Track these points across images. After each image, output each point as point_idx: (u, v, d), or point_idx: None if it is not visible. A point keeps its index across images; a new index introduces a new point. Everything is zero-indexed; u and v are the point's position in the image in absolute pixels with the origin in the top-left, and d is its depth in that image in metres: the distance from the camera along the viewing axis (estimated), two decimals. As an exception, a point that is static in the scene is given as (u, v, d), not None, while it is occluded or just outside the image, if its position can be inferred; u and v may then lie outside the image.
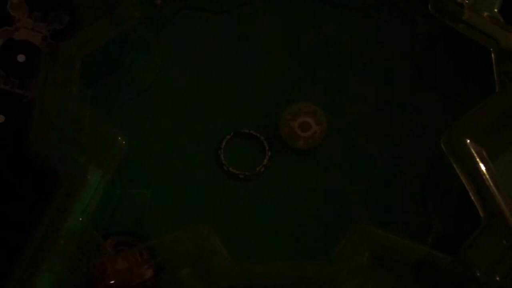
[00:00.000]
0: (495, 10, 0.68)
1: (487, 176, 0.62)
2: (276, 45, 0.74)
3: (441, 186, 0.67)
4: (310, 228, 0.68)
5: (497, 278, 0.59)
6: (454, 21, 0.68)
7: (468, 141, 0.64)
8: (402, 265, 0.61)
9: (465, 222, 0.63)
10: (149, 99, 0.72)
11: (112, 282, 0.61)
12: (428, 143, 0.68)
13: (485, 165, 0.63)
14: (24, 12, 0.74)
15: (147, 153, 0.70)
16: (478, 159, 0.63)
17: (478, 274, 0.60)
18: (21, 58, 0.73)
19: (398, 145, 0.70)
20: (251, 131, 0.70)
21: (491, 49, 0.67)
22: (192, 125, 0.71)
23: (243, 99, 0.72)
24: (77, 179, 0.64)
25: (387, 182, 0.68)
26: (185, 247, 0.62)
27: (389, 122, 0.71)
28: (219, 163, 0.70)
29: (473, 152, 0.63)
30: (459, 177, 0.63)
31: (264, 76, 0.73)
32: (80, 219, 0.63)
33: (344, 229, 0.63)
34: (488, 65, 0.66)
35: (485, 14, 0.68)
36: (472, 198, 0.62)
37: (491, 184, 0.62)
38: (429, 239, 0.65)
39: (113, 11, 0.70)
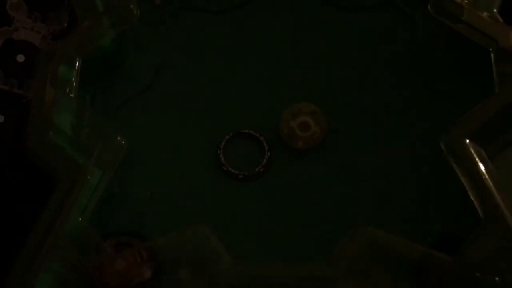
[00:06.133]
0: (495, 10, 0.68)
1: (487, 176, 0.62)
2: (276, 45, 0.74)
3: (440, 186, 0.67)
4: (309, 228, 0.67)
5: (497, 278, 0.59)
6: (453, 21, 0.68)
7: (468, 141, 0.64)
8: (401, 265, 0.61)
9: (465, 222, 0.63)
10: (149, 99, 0.72)
11: (112, 282, 0.61)
12: (428, 143, 0.68)
13: (484, 165, 0.63)
14: (24, 12, 0.74)
15: (147, 153, 0.70)
16: (477, 159, 0.63)
17: (478, 274, 0.60)
18: (20, 58, 0.72)
19: (398, 145, 0.70)
20: (251, 131, 0.70)
21: (491, 49, 0.67)
22: (192, 125, 0.71)
23: (243, 99, 0.72)
24: (76, 179, 0.64)
25: (386, 182, 0.68)
26: (185, 247, 0.62)
27: (389, 122, 0.71)
28: (219, 163, 0.70)
29: (473, 152, 0.63)
30: (458, 177, 0.63)
31: (264, 76, 0.73)
32: (80, 219, 0.63)
33: (344, 229, 0.63)
34: (488, 65, 0.66)
35: (485, 14, 0.68)
36: (472, 198, 0.62)
37: (491, 184, 0.62)
38: (428, 239, 0.65)
39: (112, 11, 0.70)
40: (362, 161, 0.69)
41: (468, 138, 0.64)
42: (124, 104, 0.72)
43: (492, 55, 0.67)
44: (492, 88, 0.66)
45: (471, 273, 0.60)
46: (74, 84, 0.67)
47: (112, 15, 0.70)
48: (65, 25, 0.73)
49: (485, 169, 0.63)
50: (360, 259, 0.61)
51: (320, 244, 0.66)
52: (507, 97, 0.65)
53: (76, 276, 0.62)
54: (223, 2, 0.75)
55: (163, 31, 0.74)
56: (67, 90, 0.67)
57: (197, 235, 0.62)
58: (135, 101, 0.72)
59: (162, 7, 0.74)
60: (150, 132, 0.71)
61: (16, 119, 0.71)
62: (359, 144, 0.70)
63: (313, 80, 0.72)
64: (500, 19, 0.68)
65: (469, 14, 0.67)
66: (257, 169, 0.69)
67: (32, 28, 0.73)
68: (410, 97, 0.71)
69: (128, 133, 0.66)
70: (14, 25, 0.73)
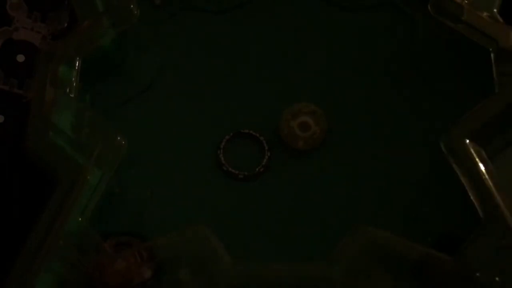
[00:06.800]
0: (495, 10, 0.68)
1: (487, 176, 0.62)
2: (276, 45, 0.74)
3: (440, 186, 0.67)
4: (309, 229, 0.67)
5: (497, 279, 0.59)
6: (453, 21, 0.68)
7: (468, 141, 0.64)
8: (401, 265, 0.61)
9: (465, 222, 0.63)
10: (149, 99, 0.72)
11: (112, 282, 0.61)
12: (427, 143, 0.68)
13: (484, 165, 0.63)
14: (24, 12, 0.74)
15: (147, 153, 0.70)
16: (477, 159, 0.63)
17: (478, 274, 0.60)
18: (20, 58, 0.73)
19: (398, 145, 0.70)
20: (251, 131, 0.70)
21: (491, 49, 0.67)
22: (192, 125, 0.71)
23: (243, 99, 0.72)
24: (76, 179, 0.63)
25: (386, 182, 0.68)
26: (185, 247, 0.62)
27: (389, 122, 0.71)
28: (219, 163, 0.70)
29: (473, 152, 0.63)
30: (458, 177, 0.63)
31: (264, 76, 0.73)
32: (80, 219, 0.63)
33: (344, 230, 0.63)
34: (488, 65, 0.66)
35: (485, 14, 0.68)
36: (472, 198, 0.62)
37: (491, 184, 0.62)
38: (428, 239, 0.65)
39: (112, 11, 0.70)
40: (362, 161, 0.69)
41: (468, 138, 0.64)
42: (124, 104, 0.72)
43: (492, 55, 0.67)
44: (492, 88, 0.66)
45: (471, 273, 0.60)
46: (74, 84, 0.67)
47: (112, 15, 0.70)
48: (65, 25, 0.73)
49: (485, 169, 0.63)
50: (360, 259, 0.61)
51: (320, 244, 0.66)
52: (507, 97, 0.65)
53: (76, 276, 0.61)
54: (223, 2, 0.75)
55: (163, 31, 0.74)
56: (67, 90, 0.67)
57: (197, 235, 0.62)
58: (135, 101, 0.72)
59: (162, 7, 0.74)
60: (150, 132, 0.71)
61: (16, 119, 0.71)
62: (359, 144, 0.70)
63: (313, 80, 0.72)
64: (500, 19, 0.68)
65: (469, 14, 0.67)
66: (257, 169, 0.69)
67: (32, 28, 0.73)
68: (410, 97, 0.71)
69: (128, 133, 0.66)
70: (14, 25, 0.73)
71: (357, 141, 0.70)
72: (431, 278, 0.60)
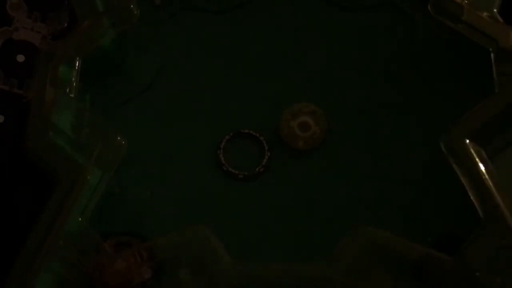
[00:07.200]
0: (495, 10, 0.68)
1: (487, 176, 0.62)
2: (276, 45, 0.74)
3: (440, 186, 0.67)
4: (309, 229, 0.67)
5: (497, 278, 0.59)
6: (453, 21, 0.68)
7: (468, 141, 0.64)
8: (401, 265, 0.61)
9: (465, 222, 0.63)
10: (149, 99, 0.72)
11: (112, 282, 0.61)
12: (427, 143, 0.68)
13: (484, 165, 0.63)
14: (24, 12, 0.74)
15: (147, 153, 0.70)
16: (477, 159, 0.63)
17: (478, 274, 0.60)
18: (20, 58, 0.72)
19: (398, 145, 0.70)
20: (251, 131, 0.70)
21: (491, 49, 0.67)
22: (192, 125, 0.71)
23: (243, 99, 0.72)
24: (76, 179, 0.64)
25: (386, 182, 0.68)
26: (185, 247, 0.62)
27: (389, 122, 0.71)
28: (219, 163, 0.70)
29: (473, 152, 0.63)
30: (458, 177, 0.63)
31: (264, 76, 0.73)
32: (80, 219, 0.63)
33: (343, 230, 0.63)
34: (488, 65, 0.66)
35: (485, 14, 0.68)
36: (472, 198, 0.62)
37: (491, 184, 0.62)
38: (428, 239, 0.65)
39: (112, 11, 0.70)
40: (362, 161, 0.69)
41: (468, 138, 0.64)
42: (124, 104, 0.72)
43: (492, 55, 0.67)
44: (492, 88, 0.66)
45: (471, 273, 0.60)
46: (74, 84, 0.67)
47: (112, 15, 0.70)
48: (65, 25, 0.73)
49: (485, 169, 0.63)
50: (360, 259, 0.61)
51: (320, 244, 0.66)
52: (507, 97, 0.65)
53: (76, 276, 0.62)
54: (223, 2, 0.75)
55: (163, 31, 0.74)
56: (67, 90, 0.67)
57: (197, 235, 0.62)
58: (135, 101, 0.72)
59: (162, 7, 0.74)
60: (150, 132, 0.71)
61: (16, 119, 0.71)
62: (359, 144, 0.70)
63: (313, 80, 0.72)
64: (500, 19, 0.68)
65: (469, 14, 0.68)
66: (257, 169, 0.69)
67: (32, 28, 0.73)
68: (410, 98, 0.71)
69: (128, 133, 0.66)
70: (14, 25, 0.73)
71: (357, 141, 0.70)
72: (431, 278, 0.60)
